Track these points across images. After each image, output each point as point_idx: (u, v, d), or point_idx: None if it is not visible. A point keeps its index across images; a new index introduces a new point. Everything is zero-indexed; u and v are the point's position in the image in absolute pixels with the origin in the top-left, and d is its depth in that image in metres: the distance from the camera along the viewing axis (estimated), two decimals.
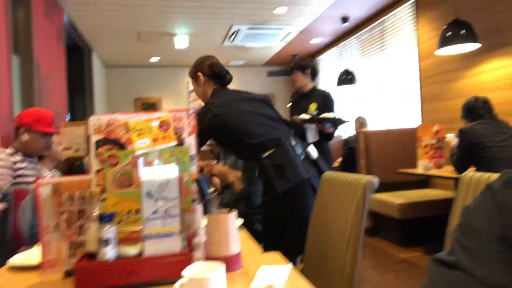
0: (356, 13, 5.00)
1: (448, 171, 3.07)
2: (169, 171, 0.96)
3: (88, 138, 1.06)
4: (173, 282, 0.88)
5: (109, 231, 0.91)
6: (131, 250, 0.93)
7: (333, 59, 6.56)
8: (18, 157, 1.98)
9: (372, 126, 4.94)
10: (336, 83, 5.24)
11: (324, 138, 2.99)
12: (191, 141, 1.08)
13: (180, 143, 1.07)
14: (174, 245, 0.93)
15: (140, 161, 1.00)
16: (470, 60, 3.55)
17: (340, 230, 1.43)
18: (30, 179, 1.90)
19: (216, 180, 2.80)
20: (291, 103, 3.41)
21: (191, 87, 8.04)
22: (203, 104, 2.10)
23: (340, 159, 4.66)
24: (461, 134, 2.77)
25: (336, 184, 1.55)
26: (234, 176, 2.46)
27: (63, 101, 4.44)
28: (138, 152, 1.00)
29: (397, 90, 4.72)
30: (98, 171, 1.03)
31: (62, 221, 1.04)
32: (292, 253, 1.76)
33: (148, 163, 1.02)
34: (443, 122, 3.57)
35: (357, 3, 4.67)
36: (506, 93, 3.24)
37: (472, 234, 0.49)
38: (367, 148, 4.09)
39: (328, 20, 5.21)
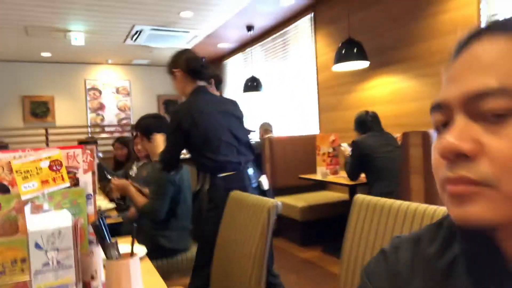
0: (261, 22, 5.15)
1: (342, 176, 3.35)
2: (61, 219, 0.88)
3: None
4: None
5: None
6: None
7: (240, 65, 6.68)
8: None
9: (277, 132, 5.15)
10: (243, 90, 5.34)
11: None
12: (87, 179, 1.01)
13: (75, 183, 0.99)
14: None
15: (27, 207, 0.90)
16: (361, 75, 3.91)
17: (246, 250, 1.46)
18: None
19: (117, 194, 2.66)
20: None
21: (89, 85, 7.49)
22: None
23: None
24: (354, 145, 3.03)
25: (243, 205, 1.59)
26: (134, 190, 2.36)
27: None
28: (23, 197, 0.90)
29: (298, 98, 4.99)
30: None
31: None
32: None
33: (37, 208, 0.92)
34: (339, 131, 3.87)
35: (261, 14, 4.82)
36: (389, 107, 3.64)
37: None
38: (272, 154, 4.26)
39: (234, 27, 5.29)
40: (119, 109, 7.58)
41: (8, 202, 0.90)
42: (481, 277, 0.44)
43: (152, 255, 1.58)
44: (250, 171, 2.07)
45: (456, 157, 0.40)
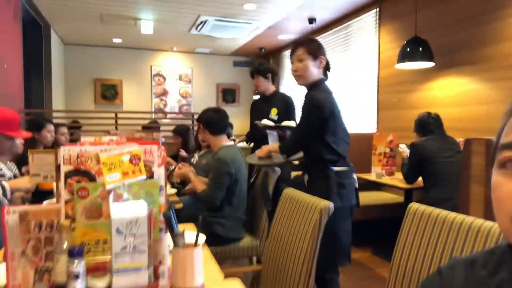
0: (323, 15, 5.10)
1: (398, 178, 3.29)
2: (138, 208, 1.00)
3: (57, 167, 1.07)
4: None
5: (79, 265, 0.94)
6: (100, 283, 0.97)
7: None
8: None
9: None
10: None
11: None
12: (160, 172, 1.12)
13: (150, 175, 1.11)
14: (142, 279, 0.99)
15: (110, 195, 1.03)
16: (425, 74, 3.77)
17: (297, 248, 1.53)
18: None
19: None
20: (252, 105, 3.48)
21: (154, 71, 7.86)
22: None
23: None
24: (413, 148, 2.96)
25: (296, 203, 1.65)
26: (194, 176, 2.51)
27: (19, 84, 4.24)
28: (108, 186, 1.03)
29: (357, 94, 4.91)
30: (67, 202, 1.05)
31: (29, 248, 1.06)
32: None
33: (118, 196, 1.05)
34: (397, 130, 3.78)
35: (324, 6, 4.77)
36: (454, 110, 3.49)
37: None
38: None
39: (295, 20, 5.29)
40: (181, 95, 7.91)
41: (95, 189, 1.04)
42: None
43: (206, 241, 1.71)
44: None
45: None
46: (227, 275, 1.29)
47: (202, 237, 1.59)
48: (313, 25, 5.34)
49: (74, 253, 0.94)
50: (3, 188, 1.88)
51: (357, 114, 4.91)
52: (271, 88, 3.22)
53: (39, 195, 1.94)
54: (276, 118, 3.06)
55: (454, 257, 0.63)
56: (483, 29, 3.21)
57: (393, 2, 4.24)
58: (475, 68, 3.30)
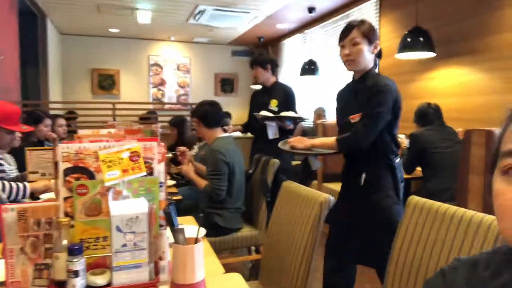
0: (323, 4, 5.05)
1: None
2: (138, 205, 1.00)
3: (56, 164, 1.06)
4: None
5: (79, 263, 0.94)
6: (100, 280, 0.97)
7: (298, 46, 6.61)
8: None
9: (331, 117, 5.11)
10: (300, 72, 5.31)
11: (284, 135, 3.08)
12: (160, 169, 1.12)
13: (150, 172, 1.10)
14: (142, 275, 0.99)
15: (110, 192, 1.03)
16: (426, 65, 3.75)
17: (297, 241, 1.53)
18: None
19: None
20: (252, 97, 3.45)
21: (152, 61, 7.79)
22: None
23: None
24: (412, 138, 2.96)
25: (295, 196, 1.65)
26: (194, 175, 2.52)
27: (16, 75, 4.20)
28: (107, 184, 1.02)
29: None
30: (66, 198, 1.05)
31: (28, 245, 1.06)
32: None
33: (117, 193, 1.05)
34: None
35: None
36: (454, 100, 3.47)
37: None
38: None
39: (294, 8, 5.23)
40: (179, 85, 7.86)
41: (94, 186, 1.03)
42: None
43: (206, 232, 1.71)
44: None
45: None
46: (226, 265, 1.29)
47: (202, 231, 1.60)
48: (313, 14, 5.29)
49: (74, 250, 0.94)
50: (25, 188, 1.91)
51: None
52: (271, 79, 3.19)
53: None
54: (276, 109, 3.05)
55: (457, 258, 0.63)
56: (484, 19, 3.18)
57: None
58: (475, 59, 3.27)
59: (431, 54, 3.36)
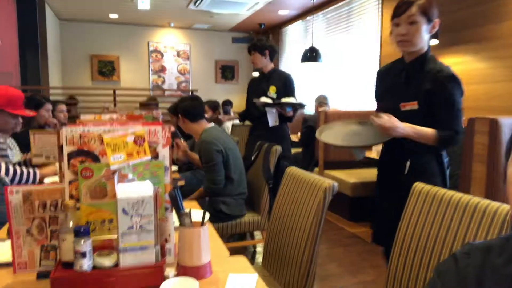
0: None
1: None
2: (144, 188, 0.99)
3: (60, 147, 1.06)
4: None
5: (85, 244, 0.94)
6: (107, 262, 0.97)
7: (299, 33, 6.56)
8: None
9: (333, 105, 5.09)
10: (301, 59, 5.28)
11: (283, 122, 3.06)
12: (165, 153, 1.11)
13: (155, 156, 1.09)
14: (149, 257, 0.99)
15: (115, 175, 1.02)
16: None
17: (300, 227, 1.53)
18: None
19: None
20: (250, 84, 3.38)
21: (152, 47, 7.72)
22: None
23: (299, 134, 4.80)
24: None
25: (299, 181, 1.64)
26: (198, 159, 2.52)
27: (15, 61, 4.17)
28: (112, 167, 1.02)
29: (358, 71, 4.85)
30: (71, 182, 1.05)
31: (34, 226, 1.06)
32: None
33: (123, 177, 1.04)
34: None
35: None
36: None
37: None
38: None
39: None
40: (179, 72, 7.81)
41: (99, 170, 1.02)
42: None
43: (211, 218, 1.72)
44: None
45: None
46: (229, 250, 1.30)
47: (206, 215, 1.60)
48: (314, 0, 5.23)
49: (80, 232, 0.94)
50: (35, 175, 1.93)
51: (359, 91, 4.87)
52: (269, 65, 3.14)
53: None
54: (275, 96, 3.01)
55: (470, 243, 0.63)
56: (488, 7, 3.14)
57: None
58: (477, 47, 3.25)
59: (435, 42, 3.34)
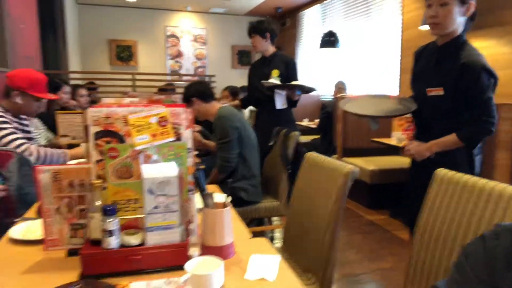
0: None
1: None
2: (169, 169, 1.01)
3: (86, 128, 1.08)
4: (172, 270, 0.97)
5: (113, 223, 0.97)
6: (133, 240, 1.00)
7: (316, 17, 6.45)
8: (7, 117, 1.96)
9: (352, 91, 5.03)
10: (319, 45, 5.21)
11: (289, 105, 3.01)
12: (188, 135, 1.12)
13: (178, 138, 1.10)
14: (174, 236, 1.01)
15: (140, 156, 1.04)
16: None
17: (321, 212, 1.53)
18: (19, 142, 1.90)
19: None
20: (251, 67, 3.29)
21: (169, 32, 7.70)
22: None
23: (317, 121, 4.78)
24: None
25: (319, 167, 1.64)
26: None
27: (36, 44, 4.23)
28: (137, 148, 1.03)
29: (378, 56, 4.76)
30: (97, 162, 1.07)
31: (63, 205, 1.09)
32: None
33: (147, 157, 1.06)
34: None
35: None
36: None
37: (464, 274, 0.60)
38: (345, 114, 4.20)
39: None
40: (196, 57, 7.80)
41: (124, 150, 1.04)
42: None
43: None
44: None
45: None
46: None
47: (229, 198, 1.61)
48: None
49: (108, 211, 0.96)
50: (65, 156, 1.99)
51: (378, 77, 4.79)
52: (270, 48, 3.06)
53: None
54: (278, 79, 2.92)
55: (499, 224, 0.62)
56: None
57: None
58: (502, 31, 3.14)
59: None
